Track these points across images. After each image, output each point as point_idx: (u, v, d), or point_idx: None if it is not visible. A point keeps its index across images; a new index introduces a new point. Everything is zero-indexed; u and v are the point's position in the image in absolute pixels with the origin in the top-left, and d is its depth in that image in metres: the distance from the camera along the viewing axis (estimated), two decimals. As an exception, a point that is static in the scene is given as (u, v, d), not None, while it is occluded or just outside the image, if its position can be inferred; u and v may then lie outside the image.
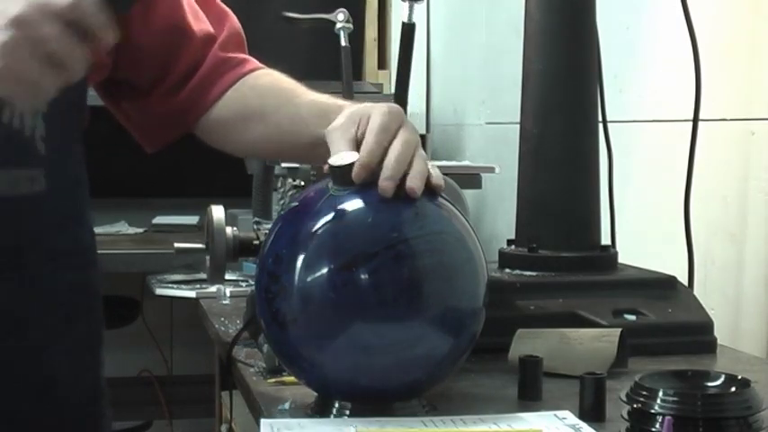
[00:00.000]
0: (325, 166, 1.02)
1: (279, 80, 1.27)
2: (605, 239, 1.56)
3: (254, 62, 1.30)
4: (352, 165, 0.99)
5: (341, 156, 1.01)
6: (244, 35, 1.32)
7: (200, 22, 1.27)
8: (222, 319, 1.67)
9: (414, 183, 0.98)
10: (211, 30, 1.28)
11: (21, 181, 1.11)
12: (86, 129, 1.23)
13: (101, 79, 1.24)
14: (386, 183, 0.97)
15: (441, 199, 1.03)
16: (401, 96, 2.26)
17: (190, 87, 1.26)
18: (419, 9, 2.32)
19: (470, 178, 2.16)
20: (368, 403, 1.01)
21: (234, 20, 1.31)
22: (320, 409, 1.03)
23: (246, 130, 1.26)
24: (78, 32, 0.89)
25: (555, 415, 1.01)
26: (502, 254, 1.51)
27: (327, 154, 1.05)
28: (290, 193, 1.96)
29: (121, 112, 1.31)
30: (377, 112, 1.03)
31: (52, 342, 1.17)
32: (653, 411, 0.93)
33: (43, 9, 0.88)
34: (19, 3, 0.88)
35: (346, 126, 1.04)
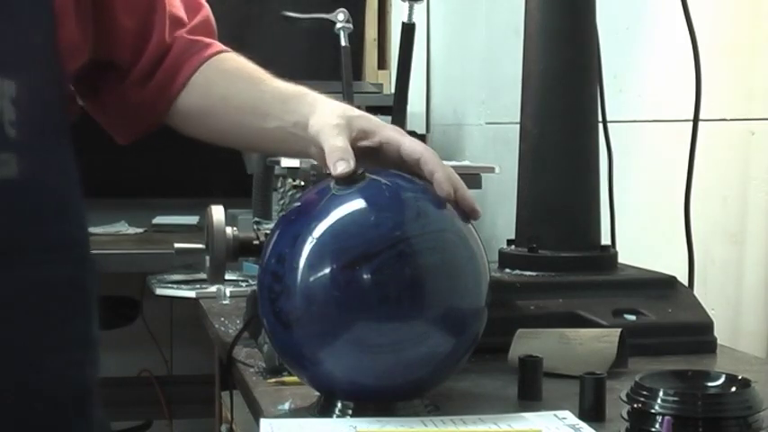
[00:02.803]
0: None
1: (244, 65, 1.26)
2: (605, 239, 1.56)
3: (218, 45, 1.28)
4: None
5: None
6: (215, 24, 1.31)
7: (172, 5, 1.26)
8: (222, 319, 1.67)
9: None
10: (182, 14, 1.27)
11: None
12: (75, 121, 1.21)
13: (79, 65, 1.23)
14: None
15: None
16: (401, 96, 2.26)
17: (160, 73, 1.25)
18: (419, 9, 2.32)
19: (470, 178, 2.15)
20: (371, 403, 1.01)
21: (208, 11, 1.30)
22: (323, 409, 1.03)
23: (211, 116, 1.25)
24: None
25: (555, 415, 1.01)
26: (502, 254, 1.51)
27: (296, 145, 1.14)
28: (289, 193, 1.96)
29: (98, 106, 1.29)
30: (412, 141, 1.08)
31: (43, 337, 1.14)
32: (653, 411, 0.93)
33: None
34: None
35: (342, 128, 1.07)
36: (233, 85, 1.24)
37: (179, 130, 1.29)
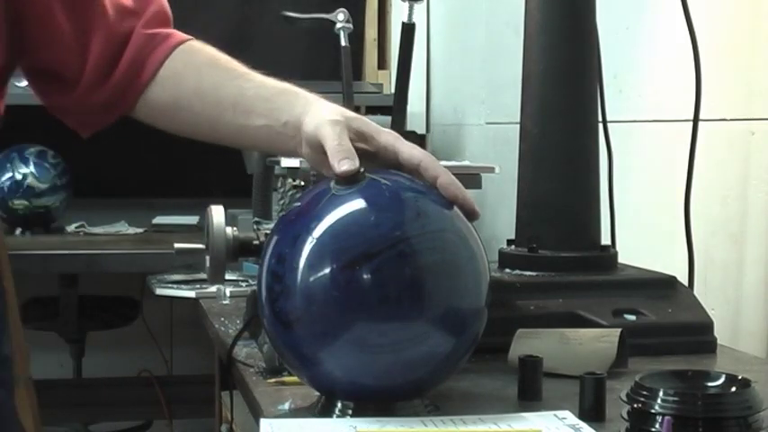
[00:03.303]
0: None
1: (214, 56, 1.23)
2: (605, 239, 1.56)
3: (178, 34, 1.25)
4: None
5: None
6: (170, 13, 1.27)
7: None
8: (222, 319, 1.67)
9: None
10: (128, 2, 1.23)
11: None
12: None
13: None
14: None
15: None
16: (401, 96, 2.26)
17: (120, 69, 1.22)
18: (419, 9, 2.32)
19: (470, 178, 2.15)
20: (371, 403, 1.01)
21: None
22: (323, 409, 1.03)
23: (184, 110, 1.22)
24: None
25: (555, 415, 1.01)
26: (502, 254, 1.51)
27: (284, 145, 1.13)
28: (289, 193, 1.96)
29: (55, 107, 1.26)
30: (411, 147, 1.07)
31: None
32: (653, 411, 0.93)
33: None
34: None
35: (342, 127, 1.06)
36: (206, 78, 1.21)
37: (149, 124, 1.25)
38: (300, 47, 3.33)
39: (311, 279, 0.97)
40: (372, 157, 1.07)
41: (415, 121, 3.12)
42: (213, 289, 1.94)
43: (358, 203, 1.00)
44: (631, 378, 0.98)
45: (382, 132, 1.09)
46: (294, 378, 1.15)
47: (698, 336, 1.38)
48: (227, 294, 1.89)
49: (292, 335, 0.99)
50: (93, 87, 1.22)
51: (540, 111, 1.50)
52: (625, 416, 0.96)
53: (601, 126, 1.56)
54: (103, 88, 1.22)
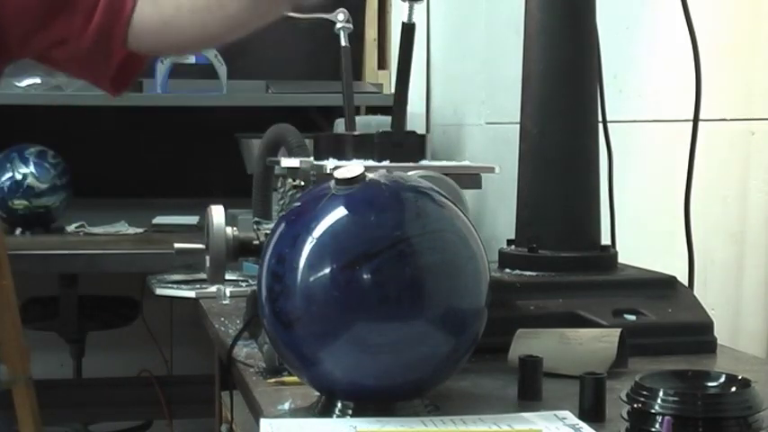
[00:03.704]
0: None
1: None
2: (605, 239, 1.56)
3: None
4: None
5: (347, 169, 1.02)
6: None
7: None
8: (222, 319, 1.67)
9: None
10: None
11: None
12: None
13: None
14: None
15: (442, 198, 1.03)
16: (401, 96, 2.26)
17: (99, 11, 1.30)
18: (419, 9, 2.32)
19: (470, 178, 2.15)
20: (371, 403, 1.01)
21: None
22: (323, 409, 1.03)
23: (172, 27, 1.31)
24: None
25: (555, 415, 1.01)
26: (502, 254, 1.51)
27: (268, 14, 1.28)
28: (290, 193, 1.96)
29: (66, 64, 1.35)
30: None
31: None
32: (653, 411, 0.93)
33: None
34: None
35: None
36: None
37: (152, 53, 1.33)
38: (300, 47, 3.33)
39: (311, 279, 0.97)
40: None
41: (415, 121, 3.12)
42: (213, 289, 1.94)
43: (358, 203, 1.00)
44: (631, 378, 0.98)
45: None
46: (294, 378, 1.15)
47: (698, 336, 1.39)
48: (227, 294, 1.89)
49: (292, 335, 0.99)
50: (79, 34, 1.30)
51: (540, 111, 1.50)
52: (625, 416, 0.96)
53: (601, 126, 1.56)
54: (87, 30, 1.30)
